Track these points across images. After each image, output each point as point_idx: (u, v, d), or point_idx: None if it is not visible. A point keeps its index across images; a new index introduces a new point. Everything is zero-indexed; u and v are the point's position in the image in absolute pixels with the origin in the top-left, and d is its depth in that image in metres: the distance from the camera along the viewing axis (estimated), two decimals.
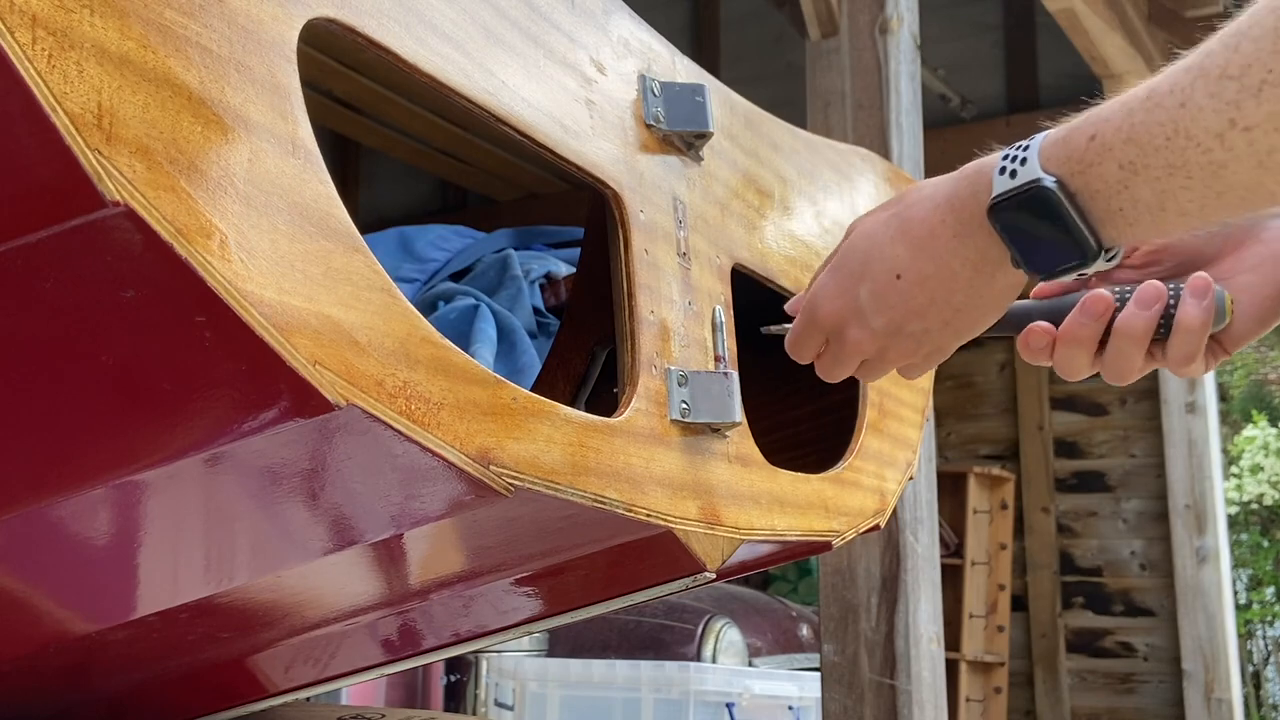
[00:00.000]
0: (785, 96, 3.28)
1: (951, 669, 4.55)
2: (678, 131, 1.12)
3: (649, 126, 1.10)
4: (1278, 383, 8.55)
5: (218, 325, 0.65)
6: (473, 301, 3.12)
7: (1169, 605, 5.02)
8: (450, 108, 0.90)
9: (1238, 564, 7.36)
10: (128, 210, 0.60)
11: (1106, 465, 5.28)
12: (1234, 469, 7.67)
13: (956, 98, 5.24)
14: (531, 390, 0.93)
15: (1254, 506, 7.63)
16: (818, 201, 1.40)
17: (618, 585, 1.11)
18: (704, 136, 1.14)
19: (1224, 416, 7.26)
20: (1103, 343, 0.88)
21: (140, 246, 0.61)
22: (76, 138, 0.58)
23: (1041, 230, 0.78)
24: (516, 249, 3.50)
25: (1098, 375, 0.90)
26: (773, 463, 1.17)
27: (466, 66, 0.89)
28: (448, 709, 3.00)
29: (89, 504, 0.77)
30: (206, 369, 0.67)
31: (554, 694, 3.16)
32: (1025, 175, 0.78)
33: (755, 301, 1.23)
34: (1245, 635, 7.44)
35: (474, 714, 2.99)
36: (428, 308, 3.18)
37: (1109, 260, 0.80)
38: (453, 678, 3.03)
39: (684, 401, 1.04)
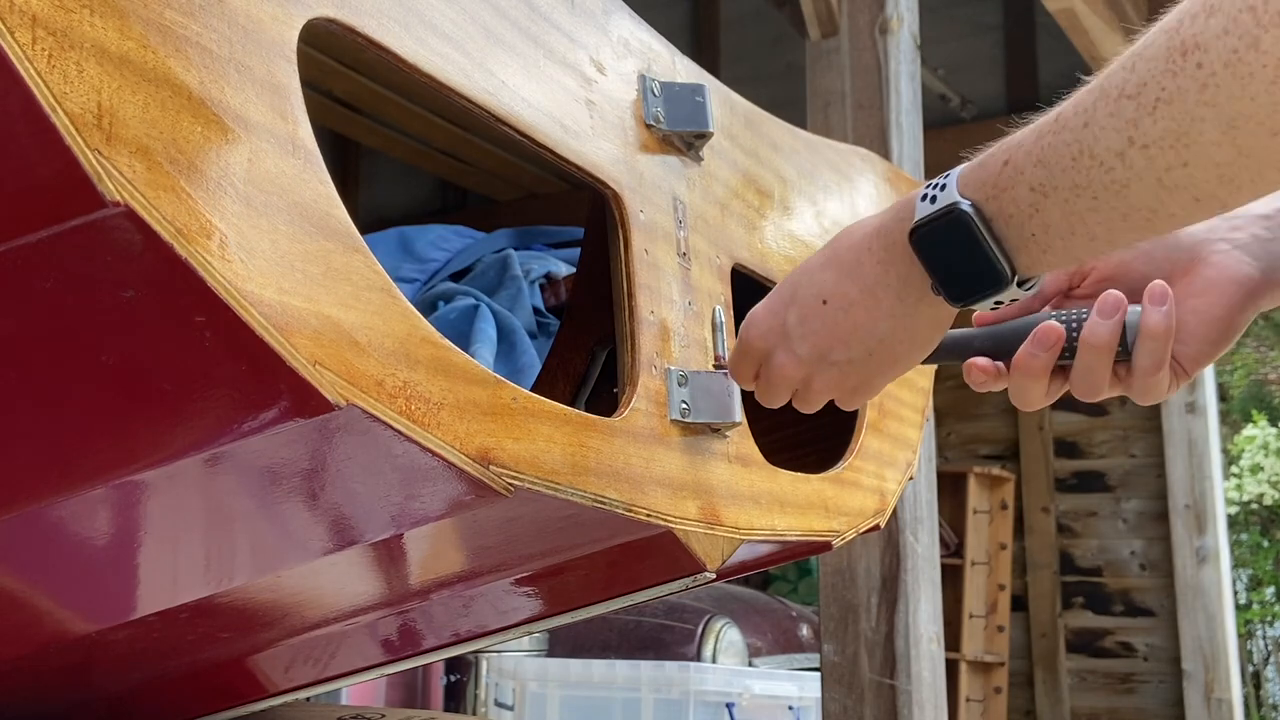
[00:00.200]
0: (785, 96, 3.28)
1: (951, 669, 4.55)
2: (678, 131, 1.12)
3: (649, 126, 1.10)
4: (1278, 383, 8.55)
5: (218, 325, 0.65)
6: (473, 301, 3.12)
7: (1169, 605, 5.01)
8: (450, 108, 0.90)
9: (1238, 564, 7.36)
10: (128, 210, 0.60)
11: (1106, 465, 5.28)
12: (1234, 469, 7.67)
13: (956, 98, 5.24)
14: (531, 390, 0.93)
15: (1254, 506, 7.63)
16: (818, 201, 1.40)
17: (618, 585, 1.11)
18: (704, 136, 1.14)
19: (1224, 416, 7.26)
20: (1060, 369, 0.88)
21: (140, 246, 0.61)
22: (76, 138, 0.58)
23: (958, 254, 0.80)
24: (516, 249, 3.50)
25: None
26: (773, 463, 1.17)
27: (466, 66, 0.89)
28: (448, 709, 3.00)
29: (89, 504, 0.77)
30: (206, 369, 0.67)
31: (554, 694, 3.16)
32: (943, 200, 0.80)
33: (755, 302, 1.23)
34: (1245, 635, 7.44)
35: (474, 714, 2.99)
36: (428, 308, 3.18)
37: (1026, 289, 0.81)
38: (453, 678, 3.03)
39: (684, 401, 1.04)
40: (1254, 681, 7.45)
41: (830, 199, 1.43)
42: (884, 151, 2.71)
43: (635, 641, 3.45)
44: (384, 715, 1.50)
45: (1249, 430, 7.85)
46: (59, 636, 1.00)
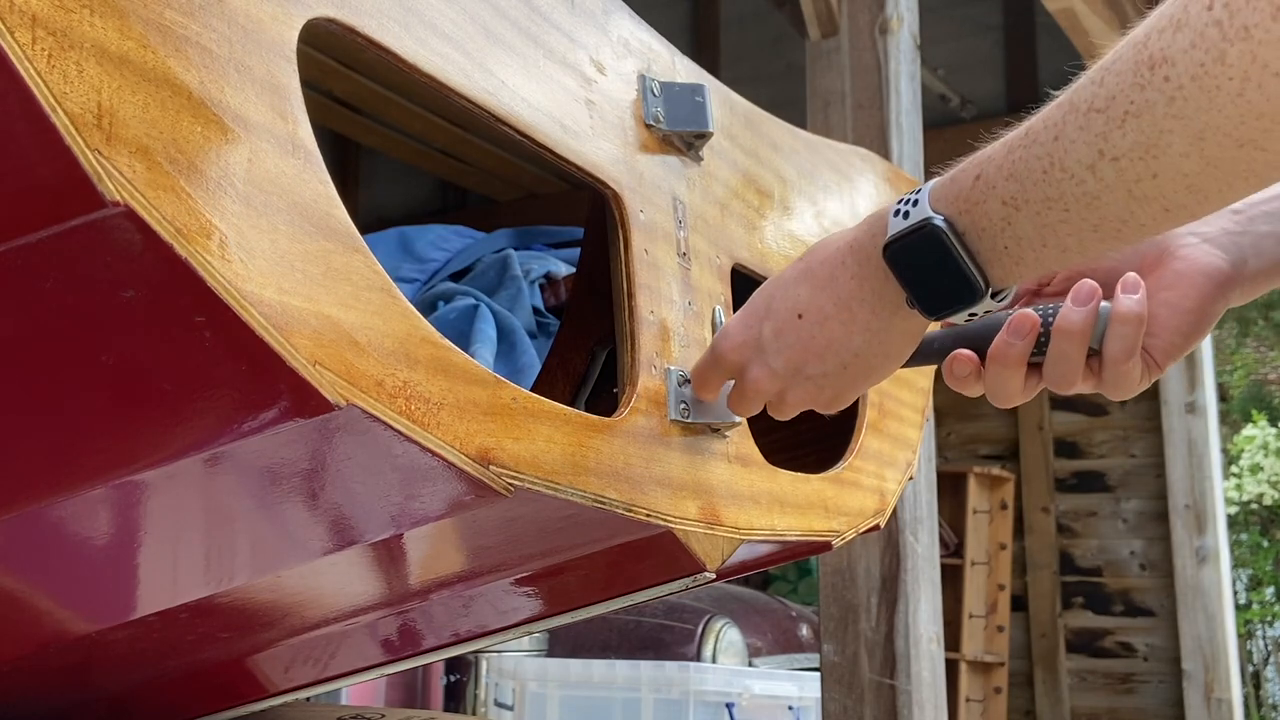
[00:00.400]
0: (785, 96, 3.28)
1: (951, 669, 4.55)
2: (678, 131, 1.12)
3: (649, 126, 1.10)
4: (1278, 383, 8.55)
5: (218, 325, 0.65)
6: (473, 301, 3.12)
7: (1169, 605, 5.02)
8: (450, 108, 0.90)
9: (1238, 564, 7.36)
10: (128, 210, 0.60)
11: (1106, 465, 5.28)
12: (1234, 469, 7.67)
13: (956, 98, 5.24)
14: (531, 390, 0.93)
15: (1254, 506, 7.64)
16: (818, 201, 1.40)
17: (618, 585, 1.11)
18: (704, 136, 1.14)
19: (1224, 416, 7.26)
20: (1034, 365, 0.89)
21: (140, 246, 0.61)
22: (76, 138, 0.58)
23: (931, 269, 0.81)
24: (516, 249, 3.51)
25: None
26: (773, 463, 1.17)
27: (466, 66, 0.89)
28: (448, 709, 3.00)
29: (89, 504, 0.77)
30: (206, 369, 0.67)
31: (554, 694, 3.16)
32: (916, 215, 0.81)
33: None
34: (1245, 635, 7.45)
35: (474, 714, 2.99)
36: (428, 308, 3.18)
37: (999, 301, 0.82)
38: (453, 678, 3.03)
39: (684, 401, 1.04)
40: (1254, 681, 7.45)
41: (830, 199, 1.43)
42: (884, 151, 2.71)
43: (635, 641, 3.45)
44: (384, 715, 1.50)
45: (1249, 430, 7.86)
46: (59, 636, 1.00)
